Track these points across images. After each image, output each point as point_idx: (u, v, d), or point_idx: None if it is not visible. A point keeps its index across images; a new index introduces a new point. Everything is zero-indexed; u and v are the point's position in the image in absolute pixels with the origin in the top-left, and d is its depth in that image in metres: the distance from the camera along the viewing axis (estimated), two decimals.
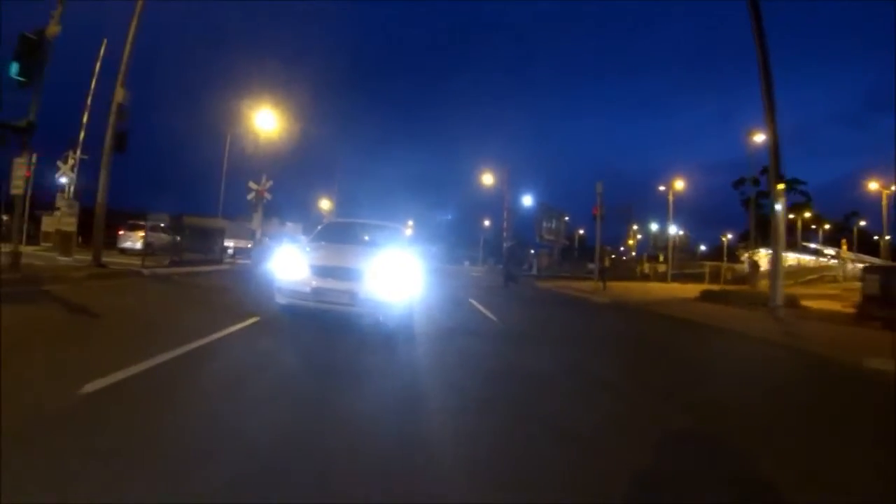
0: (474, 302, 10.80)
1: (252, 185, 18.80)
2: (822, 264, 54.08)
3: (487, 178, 40.01)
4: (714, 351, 7.58)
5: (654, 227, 57.78)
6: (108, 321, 5.42)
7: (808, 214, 57.19)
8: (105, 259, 10.13)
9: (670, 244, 35.75)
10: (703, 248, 73.67)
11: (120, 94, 10.24)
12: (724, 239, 68.97)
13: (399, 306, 5.32)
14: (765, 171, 56.49)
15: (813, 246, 59.63)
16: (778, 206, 12.49)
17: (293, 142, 25.49)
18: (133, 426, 2.39)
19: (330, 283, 5.15)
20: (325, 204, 45.46)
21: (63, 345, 4.02)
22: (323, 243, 6.43)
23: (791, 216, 55.66)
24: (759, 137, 21.97)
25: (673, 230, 62.79)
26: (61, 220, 9.89)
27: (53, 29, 8.73)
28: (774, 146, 12.61)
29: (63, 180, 20.85)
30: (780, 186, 12.27)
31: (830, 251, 56.76)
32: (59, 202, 20.28)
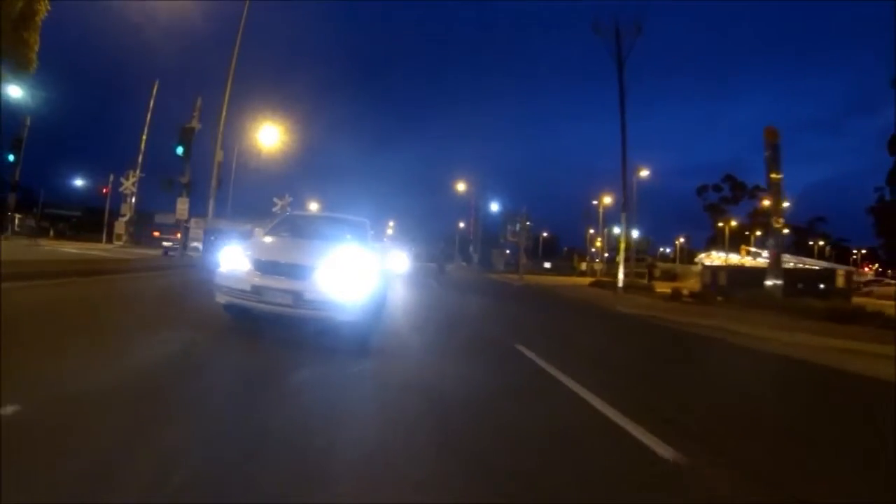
0: (430, 280, 18.25)
1: (277, 199, 25.66)
2: (758, 264, 63.30)
3: (462, 186, 46.93)
4: (541, 301, 14.98)
5: (616, 230, 65.95)
6: None
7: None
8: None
9: (603, 247, 43.32)
10: (667, 250, 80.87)
11: (219, 155, 17.08)
12: (677, 242, 78.00)
13: (354, 309, 4.59)
14: (726, 178, 64.43)
15: (753, 250, 69.54)
16: (626, 227, 20.14)
17: (287, 147, 30.28)
18: None
19: (273, 282, 4.56)
20: (313, 206, 51.37)
21: None
22: (273, 237, 5.94)
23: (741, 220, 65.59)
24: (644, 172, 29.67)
25: (635, 233, 71.15)
26: (193, 231, 16.75)
27: (195, 125, 15.60)
28: (625, 195, 20.23)
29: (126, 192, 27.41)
30: (624, 214, 19.86)
31: (766, 253, 67.07)
32: (124, 209, 27.09)
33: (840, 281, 20.54)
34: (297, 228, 6.45)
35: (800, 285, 19.69)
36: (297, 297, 4.44)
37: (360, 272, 4.75)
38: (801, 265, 51.61)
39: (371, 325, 5.11)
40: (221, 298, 4.74)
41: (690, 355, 7.01)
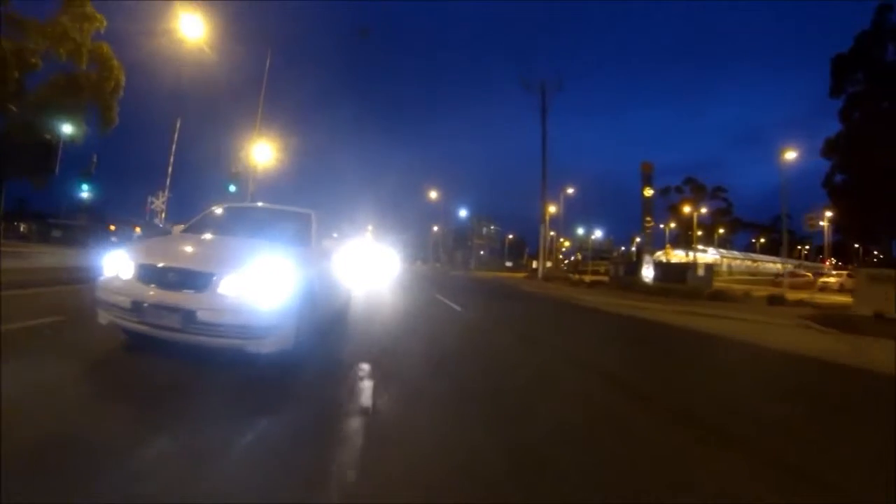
0: (401, 273, 25.65)
1: None
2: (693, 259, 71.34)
3: (434, 194, 54.01)
4: (470, 285, 22.52)
5: (580, 231, 74.28)
6: None
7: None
8: None
9: (543, 247, 51.08)
10: (632, 248, 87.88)
11: (252, 187, 23.98)
12: (632, 241, 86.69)
13: (276, 336, 3.31)
14: (687, 181, 71.56)
15: (700, 247, 78.92)
16: (544, 231, 27.85)
17: (280, 164, 37.15)
18: None
19: (158, 295, 3.21)
20: None
21: None
22: (180, 234, 4.64)
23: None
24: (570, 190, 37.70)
25: (598, 234, 79.50)
26: None
27: (240, 169, 22.58)
28: (544, 213, 27.94)
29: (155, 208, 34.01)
30: (542, 226, 27.55)
31: (712, 250, 75.49)
32: (156, 223, 33.60)
33: (700, 271, 28.61)
34: (220, 224, 5.03)
35: (669, 275, 27.73)
36: (188, 317, 3.12)
37: (289, 282, 3.44)
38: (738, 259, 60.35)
39: (305, 358, 3.69)
40: (103, 318, 3.43)
41: (521, 300, 14.67)
